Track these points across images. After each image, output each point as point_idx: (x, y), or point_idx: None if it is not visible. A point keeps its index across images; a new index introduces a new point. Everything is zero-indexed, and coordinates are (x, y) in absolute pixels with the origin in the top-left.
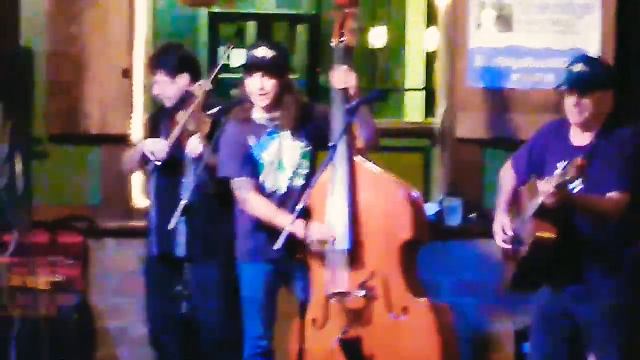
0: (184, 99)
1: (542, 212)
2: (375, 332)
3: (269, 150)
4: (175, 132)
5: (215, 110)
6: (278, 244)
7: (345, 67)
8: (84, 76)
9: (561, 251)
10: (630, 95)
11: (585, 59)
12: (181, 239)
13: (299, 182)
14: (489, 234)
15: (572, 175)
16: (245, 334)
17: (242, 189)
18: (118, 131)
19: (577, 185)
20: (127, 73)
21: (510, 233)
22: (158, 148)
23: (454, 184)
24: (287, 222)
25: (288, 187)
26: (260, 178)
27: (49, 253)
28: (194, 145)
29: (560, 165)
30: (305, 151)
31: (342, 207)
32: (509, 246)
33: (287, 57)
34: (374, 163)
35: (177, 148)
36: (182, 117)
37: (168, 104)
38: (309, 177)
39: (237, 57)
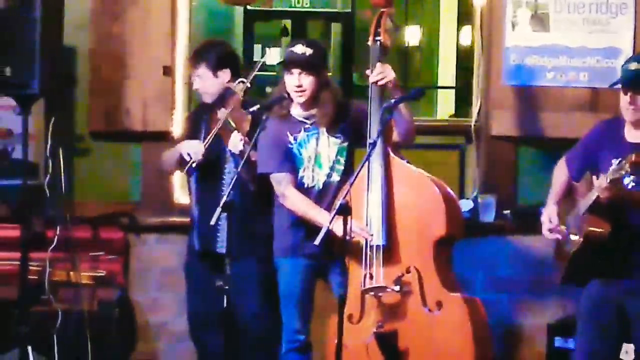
0: (224, 96)
1: (597, 207)
2: (410, 326)
3: (307, 147)
4: (214, 130)
5: (255, 107)
6: (318, 240)
7: (380, 63)
8: (125, 74)
9: (614, 245)
10: None
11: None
12: (222, 235)
13: (336, 178)
14: (522, 230)
15: (626, 170)
16: (284, 329)
17: (281, 185)
18: (159, 128)
19: (631, 182)
20: (168, 71)
21: (555, 222)
22: (195, 150)
23: (488, 181)
24: (326, 219)
25: (325, 183)
26: (299, 174)
27: (91, 248)
28: (235, 143)
29: (615, 161)
30: (342, 147)
31: (377, 203)
32: (556, 236)
33: (325, 54)
34: (409, 161)
35: (217, 145)
36: (222, 114)
37: (208, 99)
38: (346, 173)
39: (272, 55)
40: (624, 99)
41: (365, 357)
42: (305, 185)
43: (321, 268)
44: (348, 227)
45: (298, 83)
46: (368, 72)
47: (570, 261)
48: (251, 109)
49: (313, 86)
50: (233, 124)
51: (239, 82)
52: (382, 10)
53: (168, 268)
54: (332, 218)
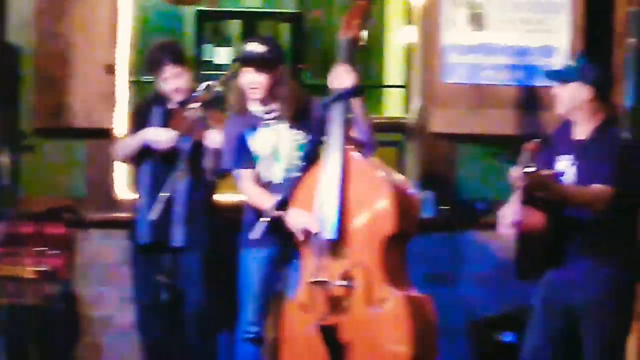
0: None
1: (531, 201)
2: (353, 321)
3: (266, 142)
4: (183, 126)
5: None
6: (256, 234)
7: (343, 66)
8: (69, 72)
9: (553, 240)
10: None
11: (579, 56)
12: (169, 228)
13: (296, 173)
14: (461, 225)
15: (527, 159)
16: (239, 320)
17: (240, 180)
18: (102, 125)
19: (531, 170)
20: (110, 69)
21: (505, 219)
22: (165, 137)
23: (427, 178)
24: (274, 213)
25: (283, 178)
26: (257, 169)
27: (36, 244)
28: (213, 138)
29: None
30: (302, 143)
31: (332, 197)
32: (508, 231)
33: (279, 52)
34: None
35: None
36: (194, 111)
37: (180, 97)
38: (305, 169)
39: (221, 55)
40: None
41: (308, 348)
42: (264, 180)
43: (284, 260)
44: (289, 219)
45: (251, 80)
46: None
47: (516, 256)
48: (190, 107)
49: (266, 83)
50: (208, 121)
51: (206, 85)
52: (357, 2)
53: (112, 263)
54: (271, 212)
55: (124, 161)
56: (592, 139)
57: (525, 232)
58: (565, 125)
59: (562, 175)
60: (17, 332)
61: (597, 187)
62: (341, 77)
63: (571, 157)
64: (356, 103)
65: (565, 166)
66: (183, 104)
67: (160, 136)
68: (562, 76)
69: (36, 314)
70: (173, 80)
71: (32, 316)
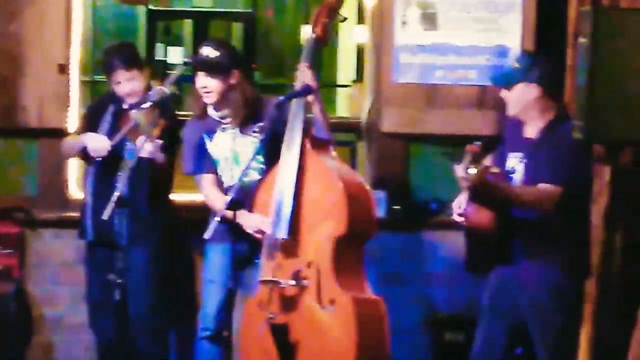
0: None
1: (478, 200)
2: (303, 320)
3: (223, 146)
4: (124, 130)
5: (147, 105)
6: (207, 234)
7: (303, 64)
8: (21, 72)
9: (500, 237)
10: None
11: (520, 55)
12: (115, 227)
13: (255, 176)
14: (413, 225)
15: (469, 160)
16: (200, 316)
17: (201, 184)
18: (55, 125)
19: (474, 171)
20: (63, 69)
21: (457, 208)
22: (100, 146)
23: (379, 177)
24: (226, 214)
25: (240, 179)
26: (218, 173)
27: None
28: (143, 145)
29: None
30: (259, 145)
31: (287, 197)
32: (460, 219)
33: (233, 56)
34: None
35: (121, 143)
36: (136, 115)
37: (134, 100)
38: (265, 170)
39: (173, 54)
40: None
41: (260, 345)
42: (225, 184)
43: (243, 259)
44: (239, 220)
45: (204, 85)
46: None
47: (465, 249)
48: (143, 106)
49: (218, 88)
50: (147, 127)
51: (158, 88)
52: (326, 1)
53: (64, 262)
54: (222, 213)
55: (68, 157)
56: (541, 138)
57: (474, 228)
58: (517, 123)
59: (513, 173)
60: None
61: (544, 186)
62: (301, 75)
63: (521, 155)
64: (315, 101)
65: (515, 164)
66: (136, 105)
67: (96, 144)
68: (507, 78)
69: None
70: (125, 84)
71: None
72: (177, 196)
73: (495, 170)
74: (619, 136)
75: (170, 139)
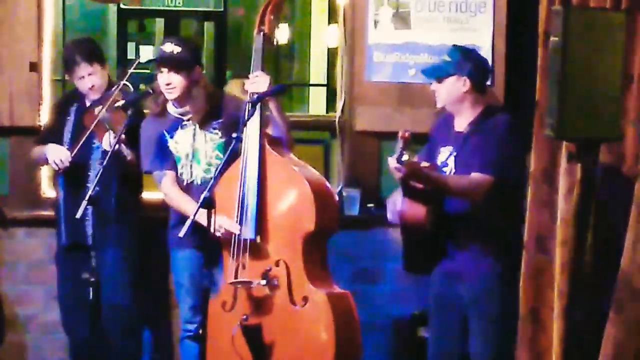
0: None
1: (411, 193)
2: (275, 320)
3: (184, 143)
4: (90, 128)
5: (120, 103)
6: (182, 233)
7: (258, 71)
8: None
9: (436, 232)
10: (520, 91)
11: (450, 49)
12: (88, 228)
13: (215, 173)
14: (386, 223)
15: (401, 147)
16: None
17: (161, 182)
18: (26, 123)
19: (406, 158)
20: (34, 67)
21: (392, 207)
22: (62, 157)
23: (352, 176)
24: (191, 211)
25: (203, 179)
26: (178, 170)
27: None
28: (107, 142)
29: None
30: (220, 143)
31: (250, 196)
32: (394, 219)
33: (195, 52)
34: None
35: (87, 140)
36: (100, 112)
37: (97, 95)
38: (224, 168)
39: (145, 52)
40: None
41: (232, 347)
42: (185, 182)
43: (210, 259)
44: (213, 220)
45: (167, 81)
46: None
47: (402, 247)
48: (116, 105)
49: (182, 84)
50: (110, 124)
51: (121, 83)
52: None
53: (36, 261)
54: (196, 211)
55: (40, 166)
56: (470, 130)
57: (408, 224)
58: (447, 118)
59: (445, 167)
60: None
61: (475, 175)
62: (257, 83)
63: (451, 148)
64: (272, 103)
65: (446, 158)
66: (98, 102)
67: (56, 156)
68: (438, 72)
69: None
70: (87, 79)
71: None
72: (150, 194)
73: (425, 164)
74: (589, 134)
75: (136, 136)
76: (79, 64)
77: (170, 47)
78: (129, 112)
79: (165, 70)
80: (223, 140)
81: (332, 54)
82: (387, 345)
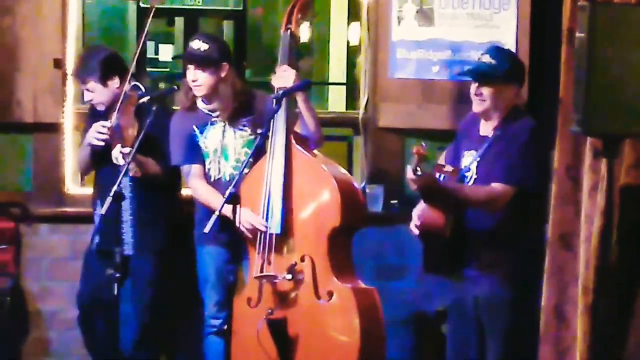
0: (117, 99)
1: (430, 200)
2: (301, 314)
3: (213, 139)
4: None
5: (145, 99)
6: (207, 228)
7: (285, 66)
8: (17, 66)
9: (453, 239)
10: (544, 87)
11: (493, 50)
12: (127, 236)
13: (245, 170)
14: (409, 220)
15: (415, 162)
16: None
17: (188, 176)
18: (50, 120)
19: (419, 172)
20: (59, 63)
21: (414, 218)
22: (97, 129)
23: (375, 172)
24: (218, 206)
25: (232, 175)
26: (206, 166)
27: None
28: (116, 155)
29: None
30: (249, 139)
31: (277, 191)
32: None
33: (223, 50)
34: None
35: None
36: (114, 119)
37: (102, 107)
38: (253, 164)
39: (165, 51)
40: (471, 89)
41: (257, 341)
42: (212, 178)
43: (236, 255)
44: (238, 216)
45: (194, 78)
46: (276, 69)
47: (422, 250)
48: (140, 101)
49: (208, 81)
50: (120, 135)
51: (132, 87)
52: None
53: (59, 257)
54: (221, 207)
55: (86, 171)
56: (494, 136)
57: (427, 231)
58: (474, 118)
59: (467, 171)
60: None
61: (495, 186)
62: (283, 77)
63: (475, 153)
64: (301, 99)
65: (469, 162)
66: (108, 111)
67: (92, 129)
68: (486, 76)
69: None
70: (86, 93)
71: None
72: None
73: (449, 169)
74: (615, 130)
75: (155, 148)
76: (78, 78)
77: (198, 44)
78: (152, 111)
79: (192, 66)
80: (252, 137)
81: (352, 51)
82: (410, 341)
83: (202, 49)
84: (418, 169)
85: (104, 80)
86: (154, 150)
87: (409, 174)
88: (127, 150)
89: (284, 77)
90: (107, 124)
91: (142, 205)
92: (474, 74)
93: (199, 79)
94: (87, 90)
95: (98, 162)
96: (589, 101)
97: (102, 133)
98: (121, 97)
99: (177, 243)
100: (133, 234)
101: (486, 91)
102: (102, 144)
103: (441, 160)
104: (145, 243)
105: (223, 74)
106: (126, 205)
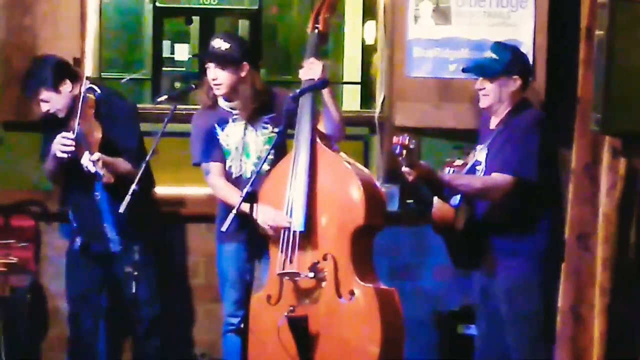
0: (74, 105)
1: (437, 193)
2: (322, 312)
3: (234, 137)
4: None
5: (163, 98)
6: (224, 227)
7: (312, 59)
8: None
9: (467, 233)
10: (561, 86)
11: (495, 46)
12: (110, 234)
13: (265, 167)
14: (425, 219)
15: (398, 153)
16: (224, 311)
17: (208, 174)
18: None
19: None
20: (77, 63)
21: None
22: (60, 141)
23: (392, 171)
24: (242, 206)
25: (253, 172)
26: (227, 164)
27: (3, 236)
28: (85, 162)
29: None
30: (271, 137)
31: (300, 189)
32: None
33: (244, 49)
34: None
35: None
36: (75, 125)
37: (62, 114)
38: (274, 162)
39: (180, 51)
40: (476, 85)
41: (277, 339)
42: (233, 175)
43: (255, 253)
44: (256, 214)
45: (213, 76)
46: (303, 63)
47: (446, 247)
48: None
49: (228, 80)
50: (84, 141)
51: (88, 89)
52: None
53: None
54: (239, 205)
55: (58, 182)
56: (499, 128)
57: (439, 224)
58: (488, 116)
59: (478, 165)
60: None
61: (494, 176)
62: (311, 70)
63: (484, 146)
64: (326, 94)
65: (480, 156)
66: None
67: (56, 144)
68: (488, 70)
69: (3, 306)
70: (45, 105)
71: (0, 308)
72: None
73: (458, 163)
74: (635, 129)
75: (115, 135)
76: (28, 92)
77: (219, 43)
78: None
79: (212, 65)
80: (274, 134)
81: (366, 51)
82: (426, 341)
83: (223, 48)
84: (404, 159)
85: (56, 87)
86: (118, 143)
87: (403, 167)
88: (96, 157)
89: (312, 69)
90: (70, 135)
91: (118, 201)
92: (475, 68)
93: (218, 78)
94: (42, 100)
95: (67, 169)
96: (608, 100)
97: (67, 145)
98: (80, 102)
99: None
100: (117, 232)
101: (488, 85)
102: (68, 155)
103: (467, 158)
104: (132, 237)
105: (243, 74)
106: (103, 205)
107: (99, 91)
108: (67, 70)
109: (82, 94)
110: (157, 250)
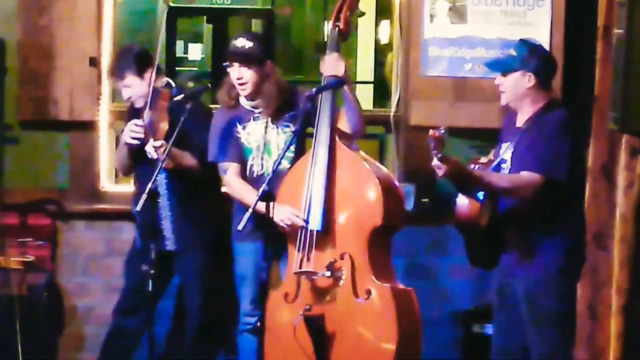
0: (150, 97)
1: (463, 190)
2: (338, 311)
3: (255, 135)
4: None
5: (180, 97)
6: (240, 226)
7: (335, 54)
8: (53, 65)
9: (492, 229)
10: (578, 85)
11: (518, 43)
12: (167, 232)
13: (286, 165)
14: (441, 218)
15: (432, 147)
16: (240, 311)
17: (225, 173)
18: (85, 118)
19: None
20: (94, 62)
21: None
22: (130, 127)
23: (407, 170)
24: (258, 205)
25: (274, 171)
26: (248, 162)
27: (20, 234)
28: (149, 150)
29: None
30: (291, 135)
31: (318, 188)
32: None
33: (266, 47)
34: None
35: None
36: (147, 115)
37: (141, 103)
38: (294, 160)
39: (194, 51)
40: (495, 81)
41: (293, 337)
42: (255, 173)
43: (273, 252)
44: (273, 213)
45: (239, 76)
46: (325, 57)
47: (464, 244)
48: (175, 98)
49: (254, 79)
50: (152, 130)
51: (166, 84)
52: None
53: (95, 254)
54: (255, 204)
55: (127, 171)
56: (527, 127)
57: (462, 220)
58: (513, 113)
59: (504, 163)
60: (1, 322)
61: (524, 174)
62: (336, 66)
63: (510, 144)
64: (348, 91)
65: (505, 153)
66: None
67: (126, 131)
68: (502, 66)
69: (20, 304)
70: (124, 90)
71: (17, 306)
72: None
73: (483, 160)
74: None
75: (190, 139)
76: (115, 76)
77: (242, 42)
78: (186, 109)
79: (236, 64)
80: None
81: (380, 50)
82: (442, 340)
83: (246, 47)
84: (438, 152)
85: (140, 74)
86: (191, 146)
87: (434, 160)
88: (159, 143)
89: (336, 66)
90: (140, 122)
91: (181, 201)
92: (491, 64)
93: (244, 77)
94: (126, 86)
95: (136, 160)
96: (626, 98)
97: (136, 132)
98: (151, 93)
99: (224, 239)
100: (173, 230)
101: (503, 81)
102: (138, 142)
103: (490, 156)
104: (189, 239)
105: (266, 72)
106: (164, 202)
107: (174, 87)
108: (150, 61)
109: (155, 86)
110: (217, 256)
